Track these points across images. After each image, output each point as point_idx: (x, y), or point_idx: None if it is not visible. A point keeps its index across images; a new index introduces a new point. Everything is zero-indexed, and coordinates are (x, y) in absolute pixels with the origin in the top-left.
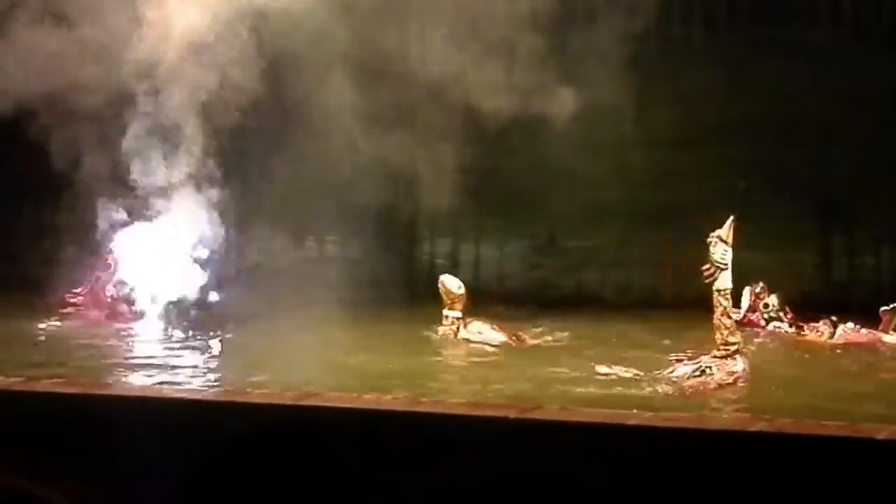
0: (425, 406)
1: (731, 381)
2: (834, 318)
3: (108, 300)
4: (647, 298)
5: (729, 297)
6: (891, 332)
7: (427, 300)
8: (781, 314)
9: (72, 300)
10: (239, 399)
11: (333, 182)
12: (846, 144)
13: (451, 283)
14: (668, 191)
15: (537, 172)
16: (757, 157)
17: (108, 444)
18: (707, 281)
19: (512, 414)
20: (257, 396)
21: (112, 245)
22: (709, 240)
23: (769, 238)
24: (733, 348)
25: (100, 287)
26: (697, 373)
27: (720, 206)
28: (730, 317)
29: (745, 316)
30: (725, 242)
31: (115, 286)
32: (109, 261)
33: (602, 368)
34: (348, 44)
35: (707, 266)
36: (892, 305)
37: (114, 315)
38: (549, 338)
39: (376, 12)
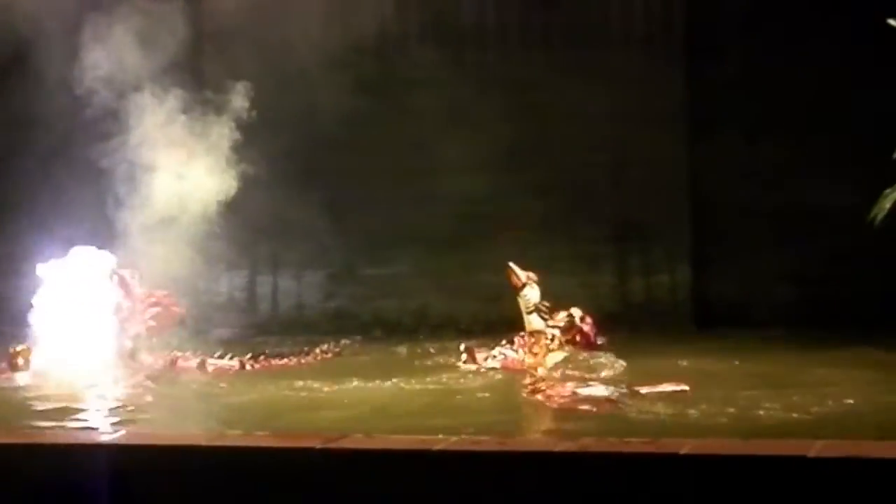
0: (229, 440)
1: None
2: None
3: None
4: (443, 324)
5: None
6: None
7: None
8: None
9: None
10: (38, 441)
11: None
12: (640, 165)
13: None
14: (464, 217)
15: (334, 201)
16: (553, 180)
17: None
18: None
19: (317, 444)
20: (60, 437)
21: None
22: (523, 293)
23: (567, 261)
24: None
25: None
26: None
27: (518, 230)
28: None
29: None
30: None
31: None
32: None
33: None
34: None
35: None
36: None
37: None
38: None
39: None
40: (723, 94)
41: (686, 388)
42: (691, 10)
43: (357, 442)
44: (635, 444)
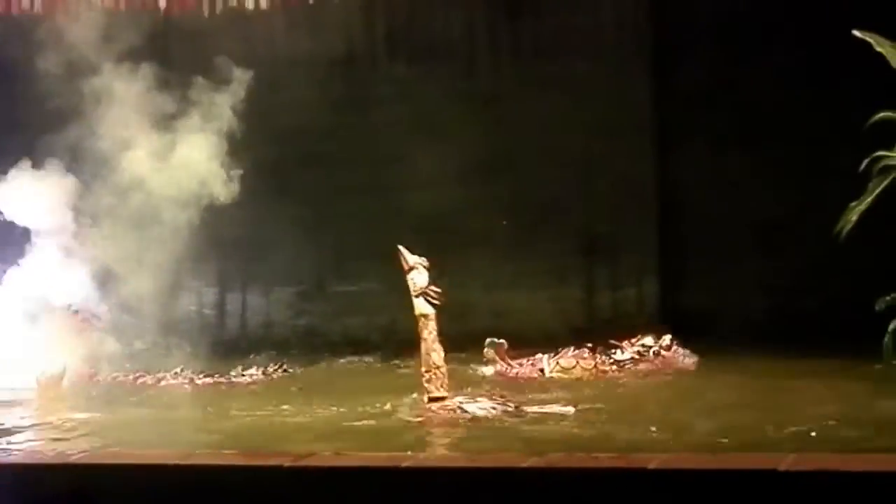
0: (198, 458)
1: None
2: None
3: None
4: (411, 340)
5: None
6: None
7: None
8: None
9: None
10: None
11: None
12: (608, 177)
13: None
14: (433, 231)
15: (303, 217)
16: (520, 194)
17: None
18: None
19: (286, 462)
20: (22, 456)
21: None
22: (410, 276)
23: (535, 274)
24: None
25: None
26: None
27: (485, 244)
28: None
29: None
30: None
31: None
32: None
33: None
34: None
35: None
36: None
37: None
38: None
39: None
40: (691, 106)
41: (572, 410)
42: (658, 21)
43: (325, 460)
44: (603, 460)
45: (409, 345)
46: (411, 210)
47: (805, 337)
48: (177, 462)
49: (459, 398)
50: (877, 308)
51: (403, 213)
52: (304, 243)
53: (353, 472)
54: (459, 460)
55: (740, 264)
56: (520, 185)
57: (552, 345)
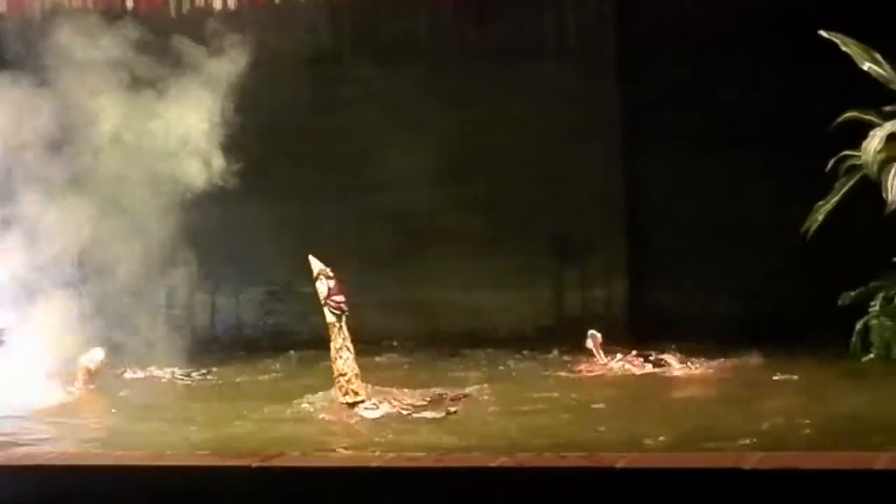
0: (168, 459)
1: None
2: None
3: None
4: (379, 340)
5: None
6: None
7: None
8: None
9: None
10: None
11: None
12: (576, 179)
13: None
14: (403, 232)
15: (272, 217)
16: (489, 195)
17: None
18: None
19: (254, 462)
20: None
21: None
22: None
23: (503, 275)
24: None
25: None
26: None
27: (455, 244)
28: (349, 349)
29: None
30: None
31: None
32: None
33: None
34: None
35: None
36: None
37: None
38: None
39: None
40: (657, 108)
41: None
42: (624, 25)
43: (294, 460)
44: (572, 459)
45: (374, 342)
46: (381, 210)
47: (771, 336)
48: (146, 463)
49: (365, 404)
50: (840, 303)
51: (373, 214)
52: (273, 244)
53: (321, 472)
54: (428, 460)
55: (707, 265)
56: (489, 185)
57: (522, 344)
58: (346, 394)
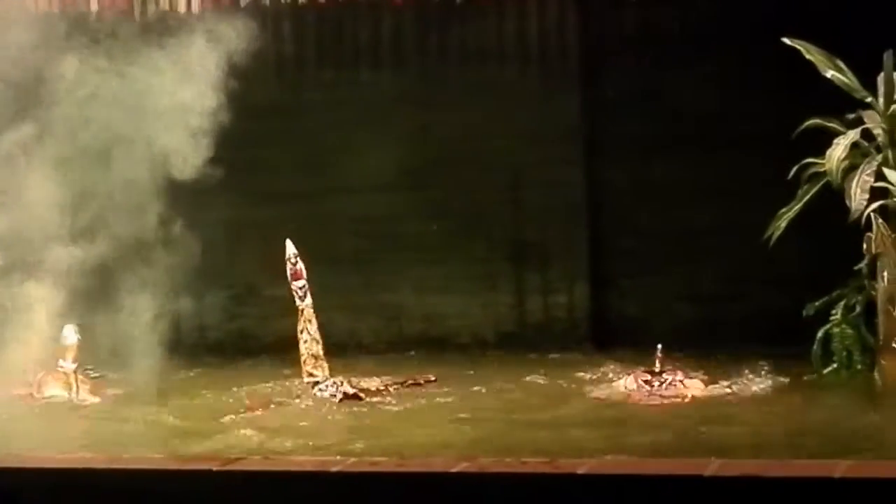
0: (125, 462)
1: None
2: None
3: None
4: (344, 342)
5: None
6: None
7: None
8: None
9: None
10: None
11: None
12: (537, 184)
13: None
14: (364, 236)
15: (234, 222)
16: (449, 200)
17: None
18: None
19: (215, 466)
20: None
21: None
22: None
23: (465, 280)
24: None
25: None
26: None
27: (416, 248)
28: (309, 332)
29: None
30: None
31: None
32: None
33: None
34: None
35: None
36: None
37: None
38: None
39: None
40: (619, 114)
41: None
42: (586, 30)
43: (255, 464)
44: (533, 465)
45: (341, 346)
46: (342, 215)
47: (733, 344)
48: (104, 466)
49: (320, 385)
50: (805, 313)
51: (336, 219)
52: (235, 248)
53: (281, 476)
54: (389, 465)
55: (668, 271)
56: (450, 190)
57: (483, 350)
58: (304, 375)
